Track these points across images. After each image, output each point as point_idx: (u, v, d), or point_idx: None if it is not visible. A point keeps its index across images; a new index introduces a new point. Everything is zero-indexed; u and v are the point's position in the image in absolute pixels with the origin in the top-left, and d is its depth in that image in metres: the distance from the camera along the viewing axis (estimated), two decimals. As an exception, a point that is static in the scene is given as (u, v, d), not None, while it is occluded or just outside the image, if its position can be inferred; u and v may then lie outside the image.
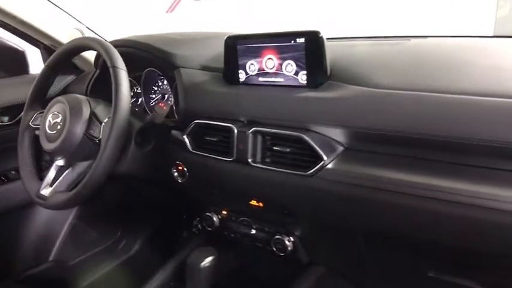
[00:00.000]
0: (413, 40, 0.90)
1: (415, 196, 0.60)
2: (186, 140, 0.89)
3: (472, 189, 0.57)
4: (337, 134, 0.70)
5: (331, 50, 0.78)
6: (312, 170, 0.69)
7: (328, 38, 0.75)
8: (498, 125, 0.56)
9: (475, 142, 0.56)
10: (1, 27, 1.19)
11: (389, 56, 0.81)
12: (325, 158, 0.69)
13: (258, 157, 0.78)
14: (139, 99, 1.19)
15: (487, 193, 0.55)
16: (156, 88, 1.15)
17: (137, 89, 1.19)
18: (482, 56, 0.76)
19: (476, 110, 0.59)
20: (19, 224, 1.27)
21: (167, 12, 3.94)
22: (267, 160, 0.78)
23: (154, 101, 1.16)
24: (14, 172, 1.21)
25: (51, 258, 1.33)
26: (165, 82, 1.11)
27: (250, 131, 0.77)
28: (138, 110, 1.19)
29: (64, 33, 1.19)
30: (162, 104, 1.14)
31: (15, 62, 1.27)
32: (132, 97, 1.20)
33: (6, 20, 1.15)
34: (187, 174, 0.90)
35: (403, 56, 0.80)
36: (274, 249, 0.80)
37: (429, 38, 0.92)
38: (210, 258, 0.72)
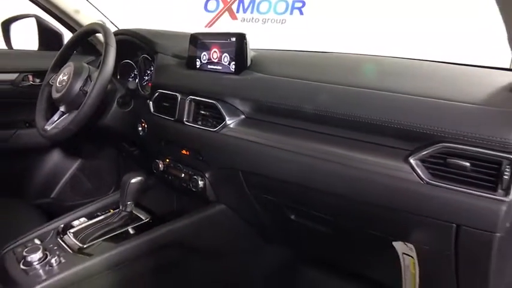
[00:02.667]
0: (336, 54, 1.17)
1: (284, 150, 0.85)
2: (151, 105, 1.20)
3: (319, 147, 0.80)
4: (239, 104, 0.97)
5: (260, 54, 1.06)
6: (217, 128, 0.98)
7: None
8: (346, 103, 0.78)
9: (328, 114, 0.79)
10: (48, 13, 1.59)
11: (295, 58, 1.08)
12: (227, 119, 0.96)
13: (190, 118, 1.07)
14: (136, 80, 1.53)
15: (331, 151, 0.78)
16: (148, 72, 1.47)
17: (135, 72, 1.52)
18: (378, 64, 1.00)
19: (336, 93, 0.82)
20: (33, 161, 1.63)
21: (206, 26, 4.38)
22: (198, 122, 1.07)
23: (146, 81, 1.48)
24: (36, 122, 1.59)
25: (52, 196, 1.68)
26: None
27: (187, 98, 1.07)
28: (135, 87, 1.52)
29: (89, 22, 1.57)
30: (150, 84, 1.46)
31: (54, 41, 1.66)
32: (132, 78, 1.54)
33: (52, 8, 1.55)
34: (146, 129, 1.21)
35: (305, 60, 1.07)
36: (191, 185, 1.08)
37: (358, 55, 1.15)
38: (138, 178, 1.01)
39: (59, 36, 1.67)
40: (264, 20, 4.41)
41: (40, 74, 1.57)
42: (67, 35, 1.68)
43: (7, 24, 1.69)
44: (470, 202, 0.61)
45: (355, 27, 3.82)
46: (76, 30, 1.61)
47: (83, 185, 1.76)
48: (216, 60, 1.11)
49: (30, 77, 1.57)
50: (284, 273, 1.29)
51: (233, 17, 4.54)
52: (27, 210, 1.42)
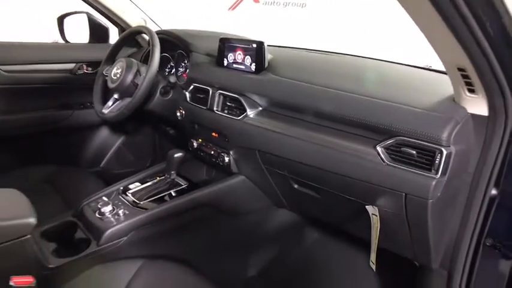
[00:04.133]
0: (337, 56, 1.42)
1: (289, 136, 1.13)
2: (187, 95, 1.49)
3: (315, 135, 1.08)
4: (257, 99, 1.25)
5: (276, 53, 1.33)
6: (241, 117, 1.27)
7: (280, 46, 1.31)
8: (337, 104, 1.04)
9: (323, 111, 1.06)
10: (96, 10, 1.87)
11: (304, 61, 1.35)
12: (248, 110, 1.25)
13: (219, 108, 1.36)
14: (173, 70, 1.82)
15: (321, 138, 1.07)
16: (183, 64, 1.75)
17: (172, 63, 1.81)
18: (367, 70, 1.26)
19: (331, 96, 1.10)
20: (86, 137, 1.98)
21: (229, 10, 4.60)
22: (224, 110, 1.36)
23: (181, 72, 1.77)
24: (89, 104, 1.90)
25: (101, 165, 2.03)
26: (188, 61, 1.72)
27: (217, 92, 1.36)
28: (171, 77, 1.81)
29: (134, 20, 1.85)
30: (185, 75, 1.75)
31: (101, 35, 1.95)
32: (169, 68, 1.82)
33: (100, 6, 1.83)
34: (183, 114, 1.51)
35: (312, 63, 1.33)
36: (219, 161, 1.38)
37: (353, 57, 1.42)
38: (180, 153, 1.33)
39: (105, 30, 1.96)
40: (285, 4, 4.58)
41: (92, 63, 1.88)
42: (112, 29, 1.98)
43: (61, 18, 1.99)
44: (414, 178, 0.89)
45: (374, 11, 3.95)
46: (120, 25, 1.91)
47: (126, 157, 2.10)
48: (240, 61, 1.38)
49: (84, 66, 1.88)
50: (291, 232, 1.61)
51: (255, 0, 4.72)
52: (85, 176, 1.77)
